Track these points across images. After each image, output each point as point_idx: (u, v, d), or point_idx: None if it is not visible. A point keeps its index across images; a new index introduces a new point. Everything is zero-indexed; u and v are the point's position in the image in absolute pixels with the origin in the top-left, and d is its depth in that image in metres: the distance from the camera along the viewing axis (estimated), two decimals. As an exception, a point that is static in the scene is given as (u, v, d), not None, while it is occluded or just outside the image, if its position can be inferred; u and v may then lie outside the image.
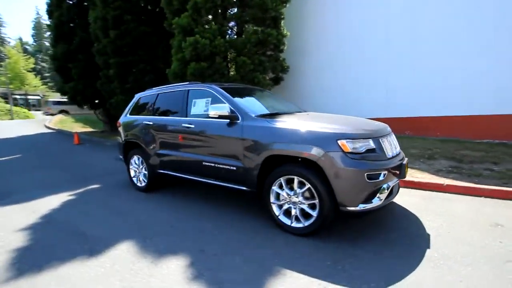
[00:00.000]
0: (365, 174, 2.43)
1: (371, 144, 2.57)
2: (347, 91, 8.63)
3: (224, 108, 3.10)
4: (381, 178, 2.51)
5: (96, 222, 3.28)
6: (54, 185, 4.83)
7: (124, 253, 2.56)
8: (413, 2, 7.25)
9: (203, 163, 3.41)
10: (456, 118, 6.44)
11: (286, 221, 2.82)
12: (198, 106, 3.61)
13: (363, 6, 8.15)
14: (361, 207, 2.48)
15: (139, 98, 4.62)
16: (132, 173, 4.57)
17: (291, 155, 2.69)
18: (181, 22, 7.26)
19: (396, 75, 7.47)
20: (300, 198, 2.71)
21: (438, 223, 2.94)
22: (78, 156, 7.72)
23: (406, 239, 2.63)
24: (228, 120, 3.17)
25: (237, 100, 3.31)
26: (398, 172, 2.71)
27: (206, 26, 7.51)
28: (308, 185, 2.61)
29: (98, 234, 2.95)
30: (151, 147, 4.08)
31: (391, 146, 2.81)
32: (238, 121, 3.10)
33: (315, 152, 2.52)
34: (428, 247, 2.48)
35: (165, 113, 4.04)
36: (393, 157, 2.73)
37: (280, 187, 2.83)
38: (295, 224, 2.77)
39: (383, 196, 2.58)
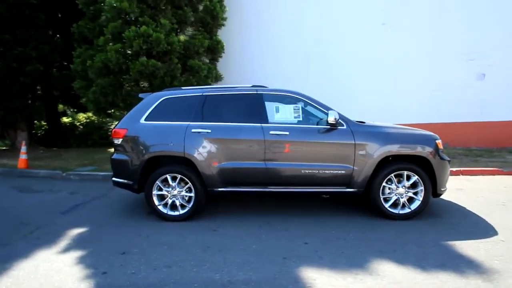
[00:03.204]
0: (448, 164, 3.46)
1: (438, 142, 3.64)
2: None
3: (334, 115, 3.22)
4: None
5: (209, 267, 2.38)
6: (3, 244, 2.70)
7: (327, 278, 2.21)
8: (327, 32, 9.18)
9: (302, 171, 3.28)
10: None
11: (394, 210, 3.36)
12: (284, 112, 3.40)
13: (280, 25, 9.39)
14: (445, 188, 3.48)
15: (163, 100, 3.48)
16: (156, 201, 3.37)
17: (407, 154, 3.29)
18: (122, 5, 5.73)
19: (316, 94, 9.31)
20: (405, 189, 3.35)
21: (445, 195, 4.34)
22: None
23: (455, 205, 3.85)
24: (329, 126, 3.30)
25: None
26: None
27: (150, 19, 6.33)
28: (415, 177, 3.30)
29: (243, 279, 2.24)
30: (210, 161, 3.27)
31: None
32: (343, 127, 3.31)
33: (426, 150, 3.27)
34: (472, 208, 3.75)
35: (226, 119, 3.38)
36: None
37: (387, 182, 3.34)
38: (401, 211, 3.36)
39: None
